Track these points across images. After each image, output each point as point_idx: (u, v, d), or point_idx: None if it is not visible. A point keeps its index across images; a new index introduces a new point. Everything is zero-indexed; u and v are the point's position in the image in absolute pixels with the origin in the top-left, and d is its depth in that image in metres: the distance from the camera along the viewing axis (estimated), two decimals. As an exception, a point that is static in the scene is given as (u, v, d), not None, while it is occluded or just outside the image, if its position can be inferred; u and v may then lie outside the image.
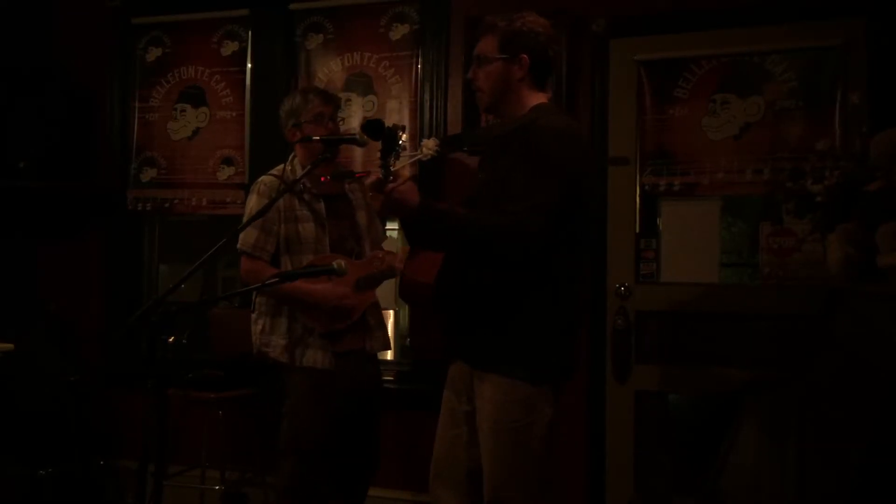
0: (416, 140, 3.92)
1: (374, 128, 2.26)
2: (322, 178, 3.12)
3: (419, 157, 2.53)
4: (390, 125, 2.24)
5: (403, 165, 2.30)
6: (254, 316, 3.22)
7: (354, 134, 2.75)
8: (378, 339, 3.35)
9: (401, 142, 2.25)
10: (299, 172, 3.17)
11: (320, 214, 3.18)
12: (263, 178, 3.23)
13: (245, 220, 3.12)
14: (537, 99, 2.45)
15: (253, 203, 3.15)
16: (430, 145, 2.52)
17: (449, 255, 2.45)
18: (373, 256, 3.29)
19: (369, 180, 2.32)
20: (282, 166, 3.23)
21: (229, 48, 4.41)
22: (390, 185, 2.24)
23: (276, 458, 3.22)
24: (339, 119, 3.39)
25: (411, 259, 2.63)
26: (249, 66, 4.36)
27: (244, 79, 4.37)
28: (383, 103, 4.12)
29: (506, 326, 2.35)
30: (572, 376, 2.49)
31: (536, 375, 2.34)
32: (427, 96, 3.99)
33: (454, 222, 2.31)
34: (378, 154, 2.31)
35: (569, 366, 2.45)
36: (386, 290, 4.19)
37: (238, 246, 3.14)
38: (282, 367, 3.17)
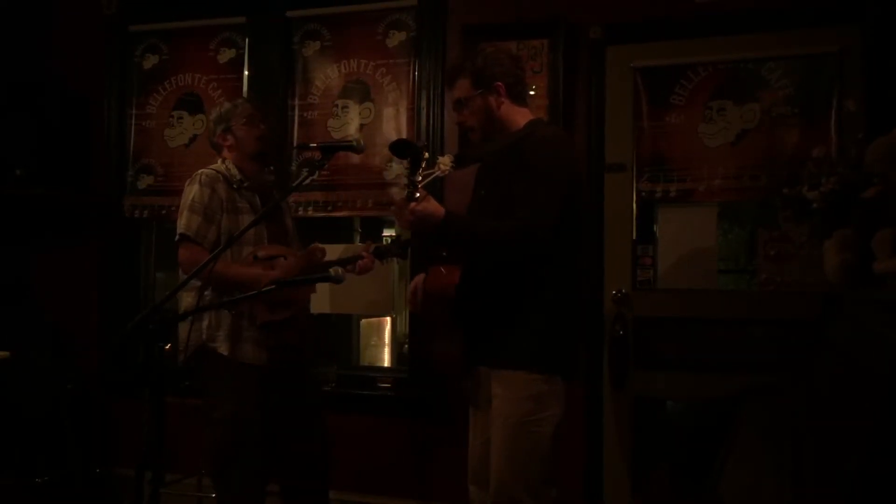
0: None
1: (402, 147, 2.46)
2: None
3: (437, 174, 2.68)
4: (417, 144, 2.39)
5: (423, 182, 2.50)
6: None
7: (351, 140, 2.79)
8: (310, 341, 3.36)
9: (424, 161, 2.45)
10: (235, 172, 3.21)
11: (258, 208, 3.21)
12: (203, 170, 3.22)
13: (186, 208, 3.12)
14: (524, 115, 2.68)
15: (195, 191, 3.13)
16: (445, 162, 2.70)
17: (465, 270, 2.65)
18: (314, 248, 3.29)
19: (398, 198, 2.48)
20: (218, 163, 3.27)
21: (226, 55, 4.41)
22: (413, 205, 2.43)
23: (210, 461, 3.18)
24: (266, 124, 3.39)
25: (431, 272, 2.79)
26: (247, 73, 4.37)
27: (241, 86, 4.37)
28: (380, 110, 4.12)
29: (516, 325, 2.50)
30: (578, 374, 2.64)
31: (548, 366, 2.48)
32: (424, 103, 4.00)
33: (474, 230, 2.53)
34: (385, 164, 2.45)
35: (575, 362, 2.61)
36: (384, 296, 4.20)
37: (180, 231, 3.11)
38: (220, 365, 3.11)
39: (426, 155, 2.47)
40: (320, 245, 3.35)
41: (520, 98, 2.69)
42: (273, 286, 2.46)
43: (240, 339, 3.11)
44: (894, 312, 2.32)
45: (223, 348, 3.10)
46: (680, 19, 3.66)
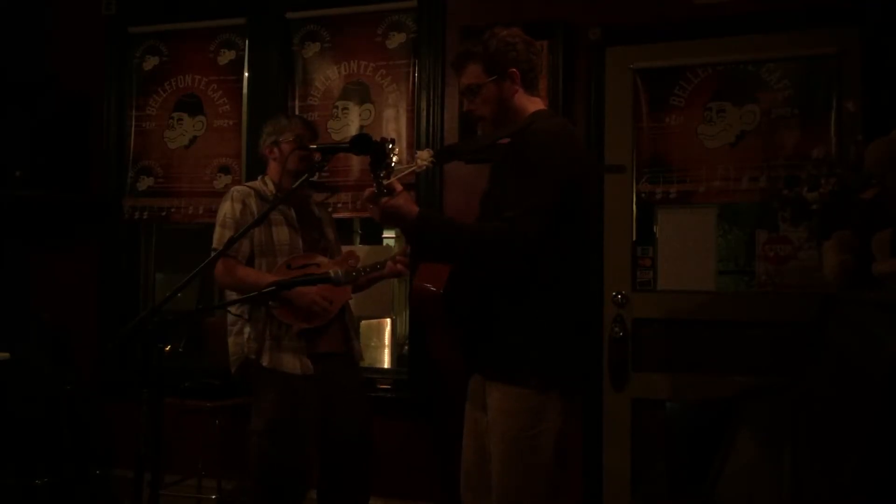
0: (412, 149, 3.94)
1: (361, 143, 2.25)
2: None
3: (413, 168, 2.52)
4: (378, 139, 2.23)
5: (397, 178, 2.29)
6: (236, 327, 3.23)
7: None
8: (356, 344, 3.38)
9: (393, 155, 2.24)
10: (271, 187, 3.31)
11: (292, 219, 3.28)
12: (237, 187, 3.36)
13: (218, 224, 3.23)
14: (534, 104, 2.47)
15: (227, 208, 3.24)
16: (424, 156, 2.51)
17: (455, 270, 2.46)
18: (348, 253, 3.38)
19: (365, 194, 2.32)
20: (255, 181, 3.39)
21: (226, 57, 4.42)
22: (385, 199, 2.23)
23: (250, 476, 3.19)
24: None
25: (419, 270, 2.65)
26: (246, 74, 4.38)
27: (241, 87, 4.38)
28: (380, 112, 4.13)
29: (510, 334, 2.34)
30: (582, 382, 2.48)
31: (543, 382, 2.31)
32: (424, 104, 4.00)
33: (450, 231, 2.31)
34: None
35: (578, 372, 2.44)
36: (384, 297, 4.20)
37: (212, 247, 3.22)
38: (260, 375, 3.17)
39: (395, 149, 2.23)
40: (356, 251, 3.39)
41: (532, 86, 2.47)
42: (273, 287, 2.45)
43: (279, 349, 3.15)
44: (892, 313, 2.32)
45: (264, 359, 3.15)
46: (679, 21, 3.66)
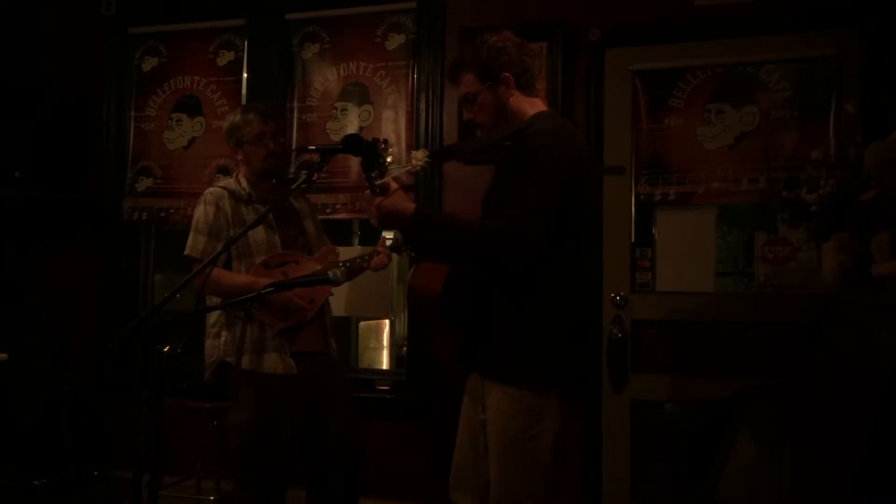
0: (411, 150, 3.93)
1: (353, 142, 2.23)
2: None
3: (408, 168, 2.50)
4: (370, 139, 2.22)
5: (392, 177, 2.27)
6: (214, 329, 3.21)
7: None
8: (332, 344, 3.35)
9: (388, 155, 2.22)
10: (245, 186, 3.24)
11: (269, 220, 3.21)
12: (210, 189, 3.29)
13: (192, 229, 3.19)
14: (533, 106, 2.47)
15: (200, 212, 3.20)
16: (419, 157, 2.49)
17: (453, 269, 2.46)
18: (327, 250, 3.33)
19: (363, 194, 2.31)
20: (229, 179, 3.33)
21: (225, 58, 4.42)
22: (379, 199, 2.22)
23: (235, 477, 3.20)
24: (281, 136, 3.43)
25: (418, 269, 2.64)
26: (245, 75, 4.37)
27: (240, 88, 4.37)
28: (379, 113, 4.13)
29: (510, 334, 2.32)
30: (583, 384, 2.49)
31: (541, 384, 2.30)
32: (423, 105, 4.00)
33: (449, 229, 2.30)
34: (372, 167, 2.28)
35: (577, 373, 2.42)
36: (383, 298, 4.20)
37: (186, 252, 3.18)
38: (238, 377, 3.14)
39: (389, 149, 2.22)
40: (334, 247, 3.38)
41: (528, 87, 2.47)
42: (271, 288, 2.45)
43: (261, 351, 3.13)
44: (892, 314, 2.32)
45: (244, 361, 3.12)
46: (679, 22, 3.66)
